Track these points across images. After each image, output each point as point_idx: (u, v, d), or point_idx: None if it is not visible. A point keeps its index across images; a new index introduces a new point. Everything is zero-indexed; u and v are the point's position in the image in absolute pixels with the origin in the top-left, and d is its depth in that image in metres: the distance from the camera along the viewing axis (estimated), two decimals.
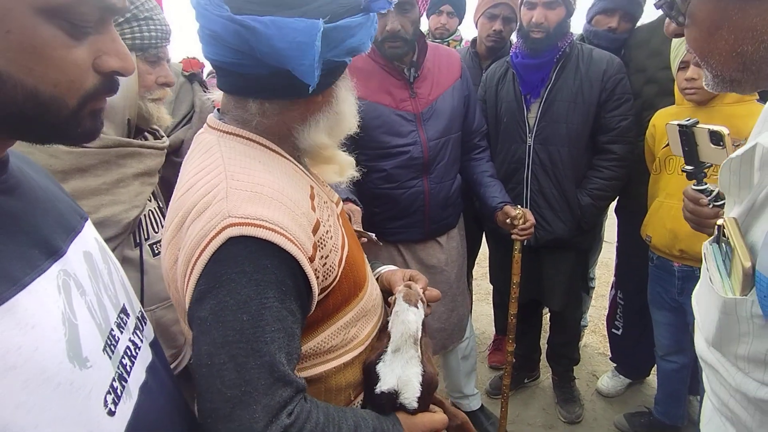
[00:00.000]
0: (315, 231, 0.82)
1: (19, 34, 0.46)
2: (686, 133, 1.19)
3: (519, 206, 1.92)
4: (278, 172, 0.83)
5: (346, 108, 0.91)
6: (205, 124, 0.92)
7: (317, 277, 0.80)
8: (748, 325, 0.68)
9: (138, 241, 1.26)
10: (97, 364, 0.55)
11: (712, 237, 0.81)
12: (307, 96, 0.82)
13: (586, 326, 3.11)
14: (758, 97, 1.67)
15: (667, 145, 1.88)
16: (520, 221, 1.88)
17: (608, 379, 2.63)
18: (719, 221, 0.78)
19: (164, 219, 1.17)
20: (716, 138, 1.13)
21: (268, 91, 0.82)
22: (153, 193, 1.33)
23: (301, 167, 0.91)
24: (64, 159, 1.10)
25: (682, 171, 1.25)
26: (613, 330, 2.51)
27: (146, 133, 1.37)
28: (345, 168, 0.99)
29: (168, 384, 0.72)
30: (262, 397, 0.68)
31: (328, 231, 0.86)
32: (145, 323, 0.76)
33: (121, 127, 1.24)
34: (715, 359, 0.81)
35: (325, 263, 0.84)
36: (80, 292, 0.57)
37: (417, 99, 1.75)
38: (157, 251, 1.31)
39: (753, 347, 0.69)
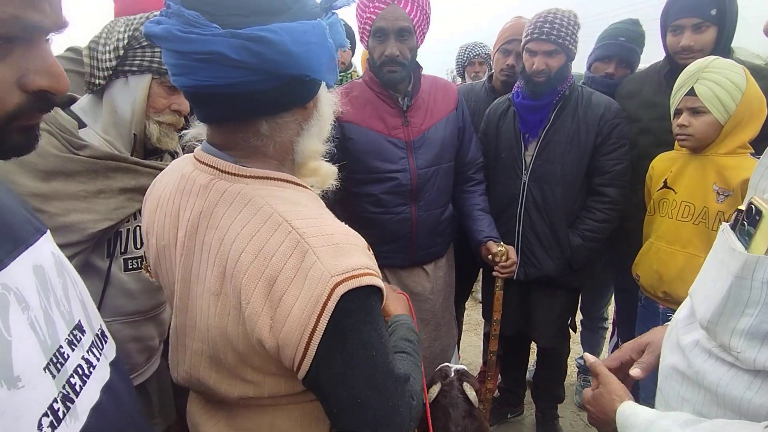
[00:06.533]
0: (369, 249, 0.86)
1: None
2: None
3: (502, 243, 1.92)
4: (318, 208, 0.84)
5: (327, 107, 0.91)
6: (204, 166, 0.85)
7: None
8: (760, 293, 0.72)
9: (111, 252, 1.27)
10: (33, 383, 0.52)
11: (731, 222, 0.85)
12: (307, 102, 0.83)
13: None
14: (752, 151, 1.67)
15: (662, 187, 1.87)
16: (502, 258, 1.88)
17: None
18: (741, 206, 0.82)
19: None
20: None
21: (278, 105, 0.80)
22: None
23: (312, 189, 0.91)
24: (49, 160, 1.15)
25: None
26: None
27: (166, 154, 1.41)
28: (326, 178, 0.96)
29: (128, 405, 0.71)
30: (401, 402, 0.82)
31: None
32: (106, 341, 0.74)
33: (127, 139, 1.30)
34: (697, 356, 0.84)
35: None
36: (22, 307, 0.55)
37: (409, 127, 1.79)
38: (131, 266, 1.32)
39: (758, 319, 0.72)
